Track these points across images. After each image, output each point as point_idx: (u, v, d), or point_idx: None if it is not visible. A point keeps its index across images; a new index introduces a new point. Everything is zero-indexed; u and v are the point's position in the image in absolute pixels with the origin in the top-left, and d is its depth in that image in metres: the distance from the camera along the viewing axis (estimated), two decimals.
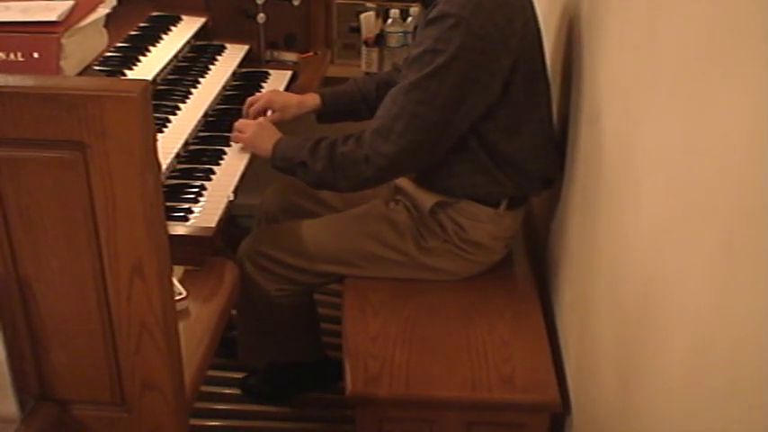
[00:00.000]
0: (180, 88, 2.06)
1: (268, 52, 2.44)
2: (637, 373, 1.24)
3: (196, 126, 1.94)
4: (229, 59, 2.30)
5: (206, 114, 2.02)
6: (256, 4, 2.33)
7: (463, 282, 1.92)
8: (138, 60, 2.04)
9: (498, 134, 1.77)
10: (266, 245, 1.94)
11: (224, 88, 2.17)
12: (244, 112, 2.03)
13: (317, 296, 2.22)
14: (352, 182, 1.76)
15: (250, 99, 2.04)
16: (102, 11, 1.83)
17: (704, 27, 1.03)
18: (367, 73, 2.57)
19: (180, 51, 2.19)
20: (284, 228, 2.03)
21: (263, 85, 2.28)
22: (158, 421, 1.18)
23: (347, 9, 2.65)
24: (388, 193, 1.99)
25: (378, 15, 2.63)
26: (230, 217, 1.87)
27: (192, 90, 2.07)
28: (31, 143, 0.99)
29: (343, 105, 2.08)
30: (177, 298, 1.39)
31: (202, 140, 1.96)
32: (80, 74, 1.75)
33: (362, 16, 2.62)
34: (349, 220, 1.95)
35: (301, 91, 2.16)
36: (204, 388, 1.83)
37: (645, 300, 1.21)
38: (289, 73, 2.36)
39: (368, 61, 2.64)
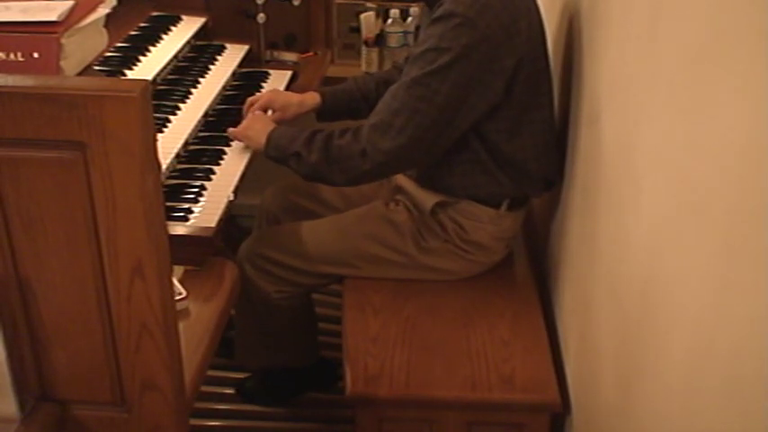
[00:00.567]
0: (180, 88, 2.06)
1: (268, 52, 2.44)
2: (637, 373, 1.24)
3: (196, 126, 1.94)
4: (229, 59, 2.30)
5: (206, 114, 2.02)
6: (256, 4, 2.33)
7: (463, 282, 1.92)
8: (138, 60, 2.04)
9: (500, 134, 1.76)
10: (266, 247, 1.94)
11: (224, 88, 2.17)
12: (244, 112, 2.02)
13: (316, 296, 2.22)
14: (347, 175, 1.75)
15: (250, 99, 2.04)
16: (102, 11, 1.83)
17: (704, 27, 1.03)
18: (367, 73, 2.57)
19: (180, 51, 2.19)
20: (284, 229, 2.03)
21: (263, 85, 2.27)
22: (158, 421, 1.18)
23: (347, 9, 2.65)
24: (388, 194, 1.99)
25: (378, 15, 2.63)
26: (230, 217, 1.87)
27: (192, 90, 2.07)
28: (31, 143, 0.99)
29: (343, 104, 2.08)
30: (177, 298, 1.39)
31: (202, 140, 1.96)
32: (80, 74, 1.75)
33: (362, 16, 2.62)
34: (349, 221, 1.95)
35: (301, 91, 2.16)
36: (204, 388, 1.82)
37: (645, 300, 1.21)
38: (289, 73, 2.36)
39: (368, 61, 2.64)
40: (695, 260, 1.03)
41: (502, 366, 1.72)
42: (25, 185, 1.02)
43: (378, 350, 1.74)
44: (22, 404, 1.15)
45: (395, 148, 1.68)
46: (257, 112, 1.97)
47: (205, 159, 1.87)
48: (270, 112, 2.03)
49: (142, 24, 2.25)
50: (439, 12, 1.65)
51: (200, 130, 1.98)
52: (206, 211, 1.66)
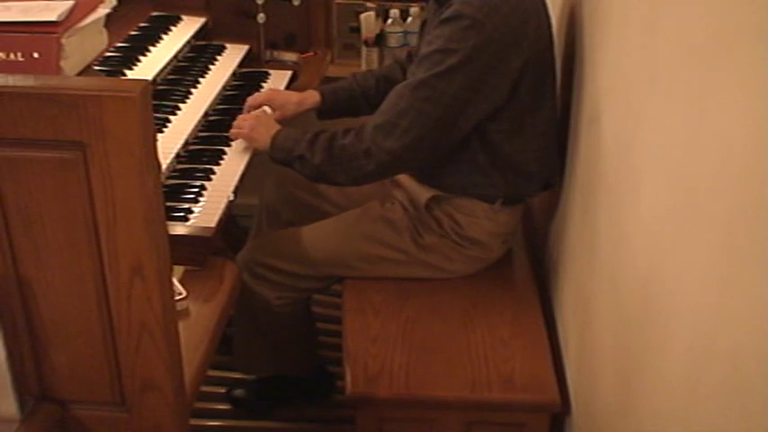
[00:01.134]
0: (180, 88, 2.06)
1: (268, 52, 2.44)
2: (637, 373, 1.24)
3: (196, 126, 1.94)
4: (229, 59, 2.30)
5: (206, 114, 2.02)
6: (256, 4, 2.33)
7: (463, 282, 1.92)
8: (138, 60, 2.04)
9: (502, 135, 1.76)
10: (264, 254, 1.93)
11: (224, 88, 2.17)
12: (245, 111, 2.02)
13: (316, 296, 2.22)
14: (351, 176, 1.75)
15: (250, 99, 2.04)
16: (102, 11, 1.83)
17: (704, 26, 1.03)
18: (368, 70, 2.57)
19: (180, 51, 2.19)
20: (281, 236, 2.03)
21: (263, 85, 2.27)
22: (158, 421, 1.18)
23: (347, 9, 2.65)
24: (384, 193, 1.98)
25: (378, 15, 2.63)
26: (230, 217, 1.87)
27: (192, 90, 2.07)
28: (31, 143, 0.99)
29: (343, 102, 2.08)
30: (177, 298, 1.39)
31: (202, 140, 1.95)
32: (80, 74, 1.75)
33: (362, 16, 2.62)
34: (346, 223, 1.95)
35: (301, 91, 2.16)
36: (204, 388, 1.82)
37: (645, 300, 1.21)
38: (289, 73, 2.36)
39: (368, 61, 2.64)
40: (695, 260, 1.03)
41: (502, 366, 1.72)
42: (25, 185, 1.02)
43: (378, 350, 1.74)
44: (22, 404, 1.15)
45: (399, 147, 1.68)
46: (260, 113, 1.97)
47: (205, 159, 1.87)
48: (269, 111, 2.03)
49: (142, 24, 2.25)
50: (448, 12, 1.65)
51: (200, 130, 1.98)
52: (206, 211, 1.65)
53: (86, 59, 1.80)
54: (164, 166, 1.70)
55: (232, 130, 1.92)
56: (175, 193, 1.71)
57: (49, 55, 1.64)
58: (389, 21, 2.62)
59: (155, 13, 2.33)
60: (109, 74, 1.92)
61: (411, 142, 1.68)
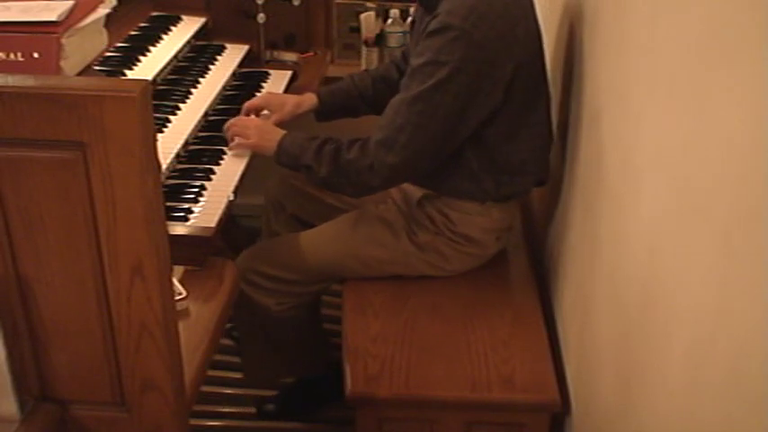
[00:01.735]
0: (180, 88, 2.06)
1: (268, 52, 2.44)
2: (637, 373, 1.24)
3: (196, 126, 1.94)
4: (229, 59, 2.30)
5: (206, 114, 2.02)
6: (256, 4, 2.33)
7: (463, 282, 1.92)
8: (138, 60, 2.04)
9: (498, 137, 1.77)
10: (260, 262, 1.93)
11: (224, 88, 2.17)
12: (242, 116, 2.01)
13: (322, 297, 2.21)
14: (357, 188, 1.78)
15: (247, 104, 2.03)
16: (102, 11, 1.83)
17: (704, 26, 1.03)
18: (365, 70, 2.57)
19: (180, 51, 2.19)
20: (276, 243, 2.03)
21: (263, 85, 2.27)
22: (158, 421, 1.18)
23: (347, 9, 2.65)
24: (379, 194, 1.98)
25: (378, 15, 2.63)
26: (230, 217, 1.87)
27: (192, 90, 2.07)
28: (31, 143, 0.99)
29: (341, 103, 2.09)
30: (177, 298, 1.39)
31: (202, 140, 1.95)
32: (80, 74, 1.75)
33: (362, 16, 2.62)
34: (343, 229, 1.95)
35: (301, 91, 2.16)
36: (204, 388, 1.82)
37: (645, 299, 1.21)
38: (289, 73, 2.36)
39: (368, 61, 2.64)
40: (695, 260, 1.03)
41: (502, 366, 1.72)
42: (25, 185, 1.02)
43: (378, 350, 1.74)
44: (21, 404, 1.15)
45: (400, 162, 1.71)
46: (261, 123, 1.94)
47: (205, 159, 1.87)
48: (266, 113, 2.03)
49: (142, 24, 2.25)
50: (435, 24, 1.65)
51: (200, 130, 1.98)
52: (206, 211, 1.65)
53: (86, 59, 1.80)
54: (164, 166, 1.70)
55: (237, 140, 1.90)
56: (175, 193, 1.71)
57: (49, 55, 1.64)
58: (389, 21, 2.61)
59: (155, 13, 2.33)
60: (109, 74, 1.92)
61: (411, 155, 1.70)
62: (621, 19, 1.46)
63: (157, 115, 1.88)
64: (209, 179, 1.79)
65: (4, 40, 1.63)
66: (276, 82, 2.30)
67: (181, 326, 1.20)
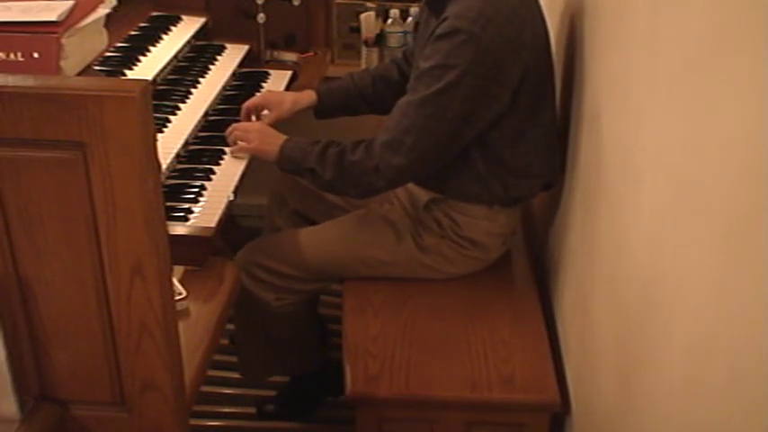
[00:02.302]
0: (180, 88, 2.06)
1: (268, 52, 2.44)
2: (637, 373, 1.24)
3: (196, 126, 1.94)
4: (229, 59, 2.30)
5: (206, 114, 2.02)
6: (256, 4, 2.33)
7: (463, 282, 1.92)
8: (138, 60, 2.04)
9: (504, 141, 1.77)
10: (263, 256, 1.93)
11: (224, 88, 2.17)
12: (242, 118, 2.01)
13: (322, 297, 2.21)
14: (362, 190, 1.78)
15: (246, 104, 2.03)
16: (102, 11, 1.83)
17: (704, 26, 1.03)
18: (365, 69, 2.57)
19: (180, 51, 2.19)
20: (281, 238, 2.02)
21: (264, 85, 2.27)
22: (158, 421, 1.18)
23: (347, 9, 2.65)
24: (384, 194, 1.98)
25: (378, 15, 2.63)
26: (230, 217, 1.87)
27: (192, 90, 2.07)
28: (31, 143, 0.99)
29: (340, 101, 2.08)
30: (177, 298, 1.39)
31: (202, 140, 1.95)
32: (80, 74, 1.75)
33: (362, 16, 2.62)
34: (348, 229, 1.95)
35: (301, 91, 2.16)
36: (204, 388, 1.82)
37: (645, 299, 1.21)
38: (289, 73, 2.36)
39: (368, 61, 2.64)
40: (695, 259, 1.03)
41: (502, 366, 1.72)
42: (25, 185, 1.02)
43: (378, 350, 1.74)
44: (21, 404, 1.15)
45: (406, 164, 1.70)
46: (262, 127, 1.93)
47: (205, 159, 1.87)
48: (265, 112, 2.02)
49: (142, 24, 2.25)
50: (443, 28, 1.65)
51: (200, 130, 1.98)
52: (206, 211, 1.66)
53: (86, 59, 1.80)
54: (164, 166, 1.70)
55: (239, 144, 1.90)
56: (175, 193, 1.71)
57: (49, 55, 1.64)
58: (389, 21, 2.61)
59: (155, 13, 2.33)
60: (109, 74, 1.92)
61: (418, 157, 1.70)
62: (621, 18, 1.46)
63: (157, 115, 1.88)
64: (209, 179, 1.79)
65: (4, 40, 1.63)
66: (276, 82, 2.30)
67: (181, 326, 1.20)
